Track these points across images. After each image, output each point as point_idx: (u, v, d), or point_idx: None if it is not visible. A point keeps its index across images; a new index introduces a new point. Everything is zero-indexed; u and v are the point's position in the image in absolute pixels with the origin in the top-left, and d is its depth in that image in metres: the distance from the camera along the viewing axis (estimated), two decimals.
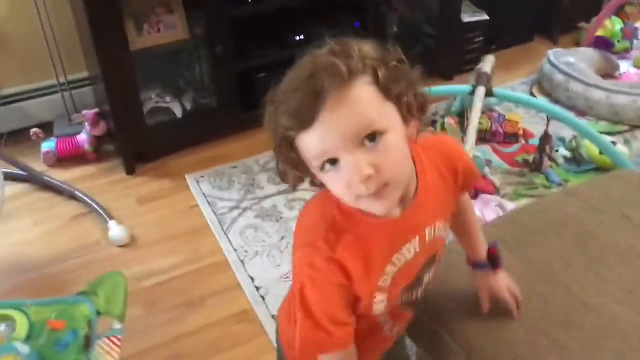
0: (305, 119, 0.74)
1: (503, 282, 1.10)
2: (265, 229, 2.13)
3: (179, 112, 2.47)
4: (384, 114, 0.77)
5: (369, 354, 1.00)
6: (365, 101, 0.75)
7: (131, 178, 2.41)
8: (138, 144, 2.41)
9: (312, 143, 0.76)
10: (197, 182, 2.36)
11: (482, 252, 1.10)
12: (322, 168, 0.78)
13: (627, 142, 2.43)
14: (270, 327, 1.76)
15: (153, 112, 2.44)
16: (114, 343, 1.17)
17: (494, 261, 1.09)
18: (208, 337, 1.75)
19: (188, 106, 2.51)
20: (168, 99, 2.48)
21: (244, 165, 2.44)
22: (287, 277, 1.92)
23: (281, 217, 2.17)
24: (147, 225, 2.16)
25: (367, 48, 0.78)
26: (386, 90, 0.77)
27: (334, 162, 0.76)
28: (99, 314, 1.18)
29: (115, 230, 2.08)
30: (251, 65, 2.46)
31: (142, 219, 2.19)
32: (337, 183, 0.79)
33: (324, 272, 0.84)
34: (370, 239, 0.86)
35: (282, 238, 2.08)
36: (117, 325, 1.20)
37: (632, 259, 1.27)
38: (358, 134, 0.74)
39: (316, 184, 0.86)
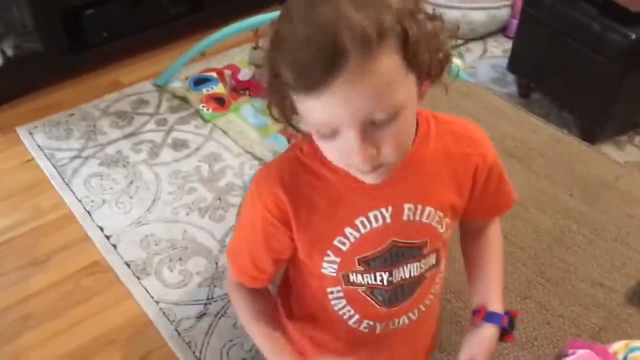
0: (314, 83, 0.60)
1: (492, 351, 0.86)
2: (111, 175, 2.02)
3: None
4: (405, 90, 0.64)
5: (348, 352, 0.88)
6: (388, 76, 0.61)
7: None
8: None
9: (314, 110, 0.63)
10: (31, 134, 2.17)
11: (494, 301, 0.86)
12: (317, 131, 0.67)
13: (460, 55, 2.56)
14: (125, 274, 1.70)
15: None
16: None
17: (511, 324, 0.85)
18: (58, 293, 1.66)
19: (9, 52, 2.27)
20: None
21: (82, 112, 2.27)
22: (139, 222, 1.85)
23: (127, 162, 2.07)
24: None
25: None
26: (413, 57, 0.62)
27: (333, 131, 0.65)
28: None
29: None
30: (76, 2, 2.26)
31: None
32: (330, 149, 0.68)
33: (261, 206, 0.76)
34: (334, 190, 0.75)
35: (131, 182, 1.99)
36: None
37: None
38: (371, 114, 0.62)
39: (302, 132, 0.74)
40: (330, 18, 0.58)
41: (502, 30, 2.76)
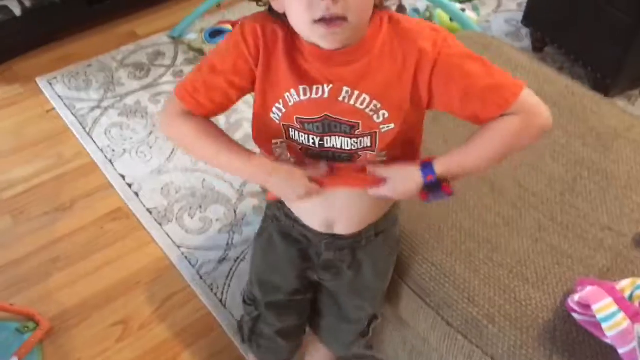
0: None
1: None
2: (130, 125, 2.06)
3: (17, 10, 2.25)
4: None
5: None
6: None
7: None
8: None
9: None
10: (50, 84, 2.21)
11: (442, 160, 0.89)
12: None
13: (475, 9, 2.55)
14: (147, 221, 1.76)
15: None
16: None
17: (433, 186, 0.89)
18: (83, 237, 1.72)
19: (27, 3, 2.28)
20: None
21: (100, 63, 2.30)
22: (160, 171, 1.90)
23: (146, 113, 2.11)
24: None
25: None
26: None
27: None
28: None
29: None
30: None
31: None
32: (298, 6, 0.77)
33: (239, 35, 0.86)
34: (296, 57, 0.85)
35: (150, 133, 2.04)
36: None
37: None
38: None
39: (273, 8, 0.85)
40: None
41: None
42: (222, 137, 0.92)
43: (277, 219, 1.06)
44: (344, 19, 0.77)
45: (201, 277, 1.63)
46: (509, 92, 0.84)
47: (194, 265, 1.65)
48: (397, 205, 1.08)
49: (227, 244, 1.71)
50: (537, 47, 2.37)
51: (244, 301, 1.21)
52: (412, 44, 0.84)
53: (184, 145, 0.96)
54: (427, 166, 0.88)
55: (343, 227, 1.00)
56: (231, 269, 1.64)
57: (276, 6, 0.83)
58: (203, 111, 0.92)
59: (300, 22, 0.80)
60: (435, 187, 0.88)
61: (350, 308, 1.13)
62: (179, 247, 1.70)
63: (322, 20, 0.77)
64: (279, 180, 0.91)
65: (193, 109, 0.91)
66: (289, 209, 1.02)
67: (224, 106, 0.92)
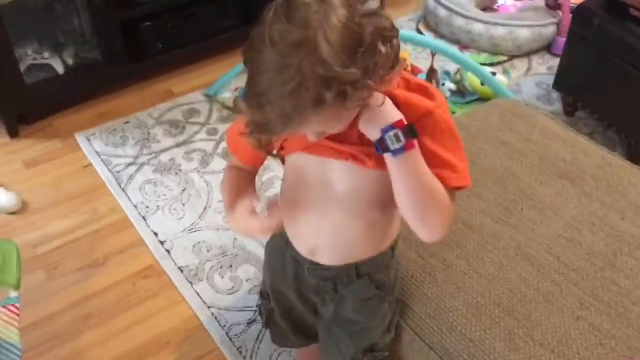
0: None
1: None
2: (164, 182, 2.10)
3: (60, 68, 2.33)
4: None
5: None
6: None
7: (15, 141, 2.27)
8: (18, 105, 2.26)
9: None
10: (88, 140, 2.27)
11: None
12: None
13: (505, 72, 2.58)
14: (178, 279, 1.77)
15: (32, 70, 2.30)
16: (11, 311, 1.14)
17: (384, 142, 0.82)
18: (115, 294, 1.73)
19: (70, 61, 2.37)
20: (46, 54, 2.33)
21: (137, 120, 2.36)
22: (191, 229, 1.92)
23: (180, 170, 2.15)
24: (37, 189, 2.07)
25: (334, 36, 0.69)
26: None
27: None
28: None
29: (3, 197, 1.98)
30: (135, 14, 2.35)
31: (31, 183, 2.09)
32: None
33: None
34: None
35: (183, 190, 2.07)
36: (13, 294, 1.17)
37: (508, 180, 1.38)
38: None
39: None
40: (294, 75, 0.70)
41: (547, 47, 2.77)
42: (235, 188, 1.00)
43: (275, 235, 1.09)
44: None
45: (230, 339, 1.62)
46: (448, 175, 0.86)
47: (223, 327, 1.65)
48: (390, 254, 1.06)
49: (257, 305, 1.69)
50: (569, 111, 2.37)
51: (260, 293, 1.28)
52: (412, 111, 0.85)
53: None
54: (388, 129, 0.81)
55: (324, 257, 1.02)
56: (260, 331, 1.63)
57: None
58: (248, 158, 1.01)
59: None
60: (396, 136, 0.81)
61: (336, 339, 1.13)
62: (209, 307, 1.70)
63: None
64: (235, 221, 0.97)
65: (238, 156, 1.02)
66: (284, 229, 1.05)
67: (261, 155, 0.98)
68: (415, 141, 0.82)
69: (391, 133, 0.80)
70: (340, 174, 0.92)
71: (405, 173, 0.83)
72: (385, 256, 1.06)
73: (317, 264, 1.03)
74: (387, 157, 0.82)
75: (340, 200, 0.94)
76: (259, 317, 1.61)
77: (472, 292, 1.15)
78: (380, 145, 0.81)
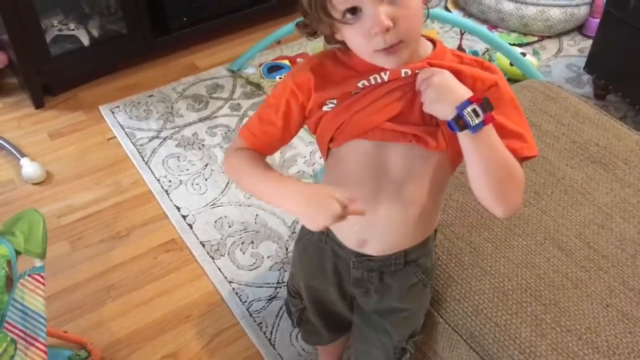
0: None
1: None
2: (187, 157, 2.10)
3: (85, 40, 2.33)
4: None
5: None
6: None
7: (40, 112, 2.28)
8: (44, 76, 2.27)
9: None
10: (112, 112, 2.27)
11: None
12: (344, 16, 0.79)
13: (535, 53, 2.52)
14: (200, 253, 1.77)
15: (57, 41, 2.29)
16: (37, 280, 1.14)
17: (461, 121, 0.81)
18: (138, 267, 1.74)
19: (95, 33, 2.37)
20: (72, 26, 2.33)
21: (161, 93, 2.36)
22: (214, 204, 1.92)
23: (203, 145, 2.14)
24: (62, 161, 2.08)
25: None
26: None
27: (355, 11, 0.78)
28: (18, 253, 1.15)
29: (29, 168, 1.99)
30: None
31: (56, 154, 2.10)
32: (357, 33, 0.80)
33: (291, 81, 0.91)
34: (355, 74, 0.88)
35: (206, 165, 2.06)
36: (38, 263, 1.17)
37: (538, 163, 1.35)
38: None
39: (330, 41, 0.88)
40: None
41: (579, 28, 2.70)
42: (263, 167, 0.94)
43: (311, 231, 1.06)
44: (400, 42, 0.79)
45: (251, 315, 1.62)
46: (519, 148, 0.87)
47: (244, 302, 1.65)
48: (433, 238, 1.07)
49: (278, 282, 1.70)
50: (600, 95, 2.32)
51: (289, 292, 1.25)
52: (479, 73, 0.87)
53: (234, 177, 1.00)
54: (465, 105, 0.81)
55: (374, 248, 0.99)
56: (281, 308, 1.63)
57: (333, 40, 0.88)
58: (259, 144, 0.96)
59: (362, 52, 0.83)
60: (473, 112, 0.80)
61: (377, 330, 1.11)
62: (230, 282, 1.70)
63: (382, 49, 0.80)
64: (306, 200, 0.84)
65: (249, 142, 0.96)
66: None
67: (278, 139, 0.96)
68: (492, 114, 0.81)
69: (469, 109, 0.79)
70: (397, 159, 0.90)
71: (485, 149, 0.82)
72: (430, 241, 1.04)
73: (364, 255, 1.01)
74: (465, 135, 0.81)
75: (395, 188, 0.92)
76: (282, 302, 1.63)
77: (498, 275, 1.13)
78: (459, 123, 0.80)
